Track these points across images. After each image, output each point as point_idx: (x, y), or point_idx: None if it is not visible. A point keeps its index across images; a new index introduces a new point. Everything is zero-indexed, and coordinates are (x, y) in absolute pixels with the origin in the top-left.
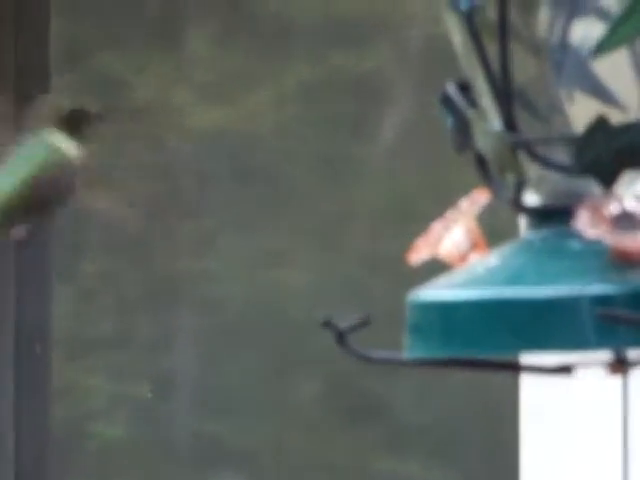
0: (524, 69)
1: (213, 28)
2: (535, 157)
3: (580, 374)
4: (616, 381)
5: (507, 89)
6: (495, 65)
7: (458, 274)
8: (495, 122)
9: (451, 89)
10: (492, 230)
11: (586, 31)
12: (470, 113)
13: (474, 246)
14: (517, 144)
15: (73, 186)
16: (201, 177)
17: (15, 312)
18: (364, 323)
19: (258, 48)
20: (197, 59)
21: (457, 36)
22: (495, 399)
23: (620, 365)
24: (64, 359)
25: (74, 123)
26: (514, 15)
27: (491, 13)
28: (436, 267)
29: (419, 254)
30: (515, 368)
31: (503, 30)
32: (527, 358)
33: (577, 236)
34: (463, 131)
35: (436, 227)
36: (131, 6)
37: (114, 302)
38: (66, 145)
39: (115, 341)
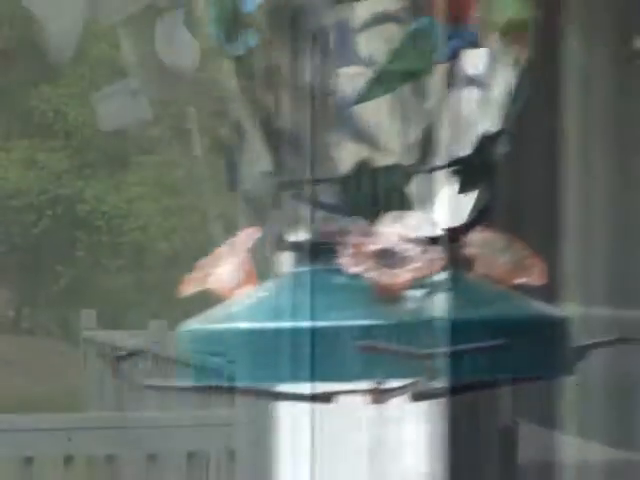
0: (293, 113)
1: None
2: (302, 197)
3: (340, 402)
4: (371, 409)
5: (275, 132)
6: (265, 109)
7: (227, 306)
8: (263, 163)
9: (223, 131)
10: (258, 265)
11: (351, 79)
12: (239, 155)
13: (245, 279)
14: (283, 184)
15: None
16: None
17: None
18: (136, 352)
19: None
20: None
21: (228, 80)
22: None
23: (380, 394)
24: None
25: None
26: (284, 62)
27: (262, 60)
28: (211, 300)
29: (188, 288)
30: (276, 396)
31: (272, 76)
32: (288, 386)
33: (343, 271)
34: (233, 172)
35: (204, 263)
36: None
37: None
38: None
39: None
